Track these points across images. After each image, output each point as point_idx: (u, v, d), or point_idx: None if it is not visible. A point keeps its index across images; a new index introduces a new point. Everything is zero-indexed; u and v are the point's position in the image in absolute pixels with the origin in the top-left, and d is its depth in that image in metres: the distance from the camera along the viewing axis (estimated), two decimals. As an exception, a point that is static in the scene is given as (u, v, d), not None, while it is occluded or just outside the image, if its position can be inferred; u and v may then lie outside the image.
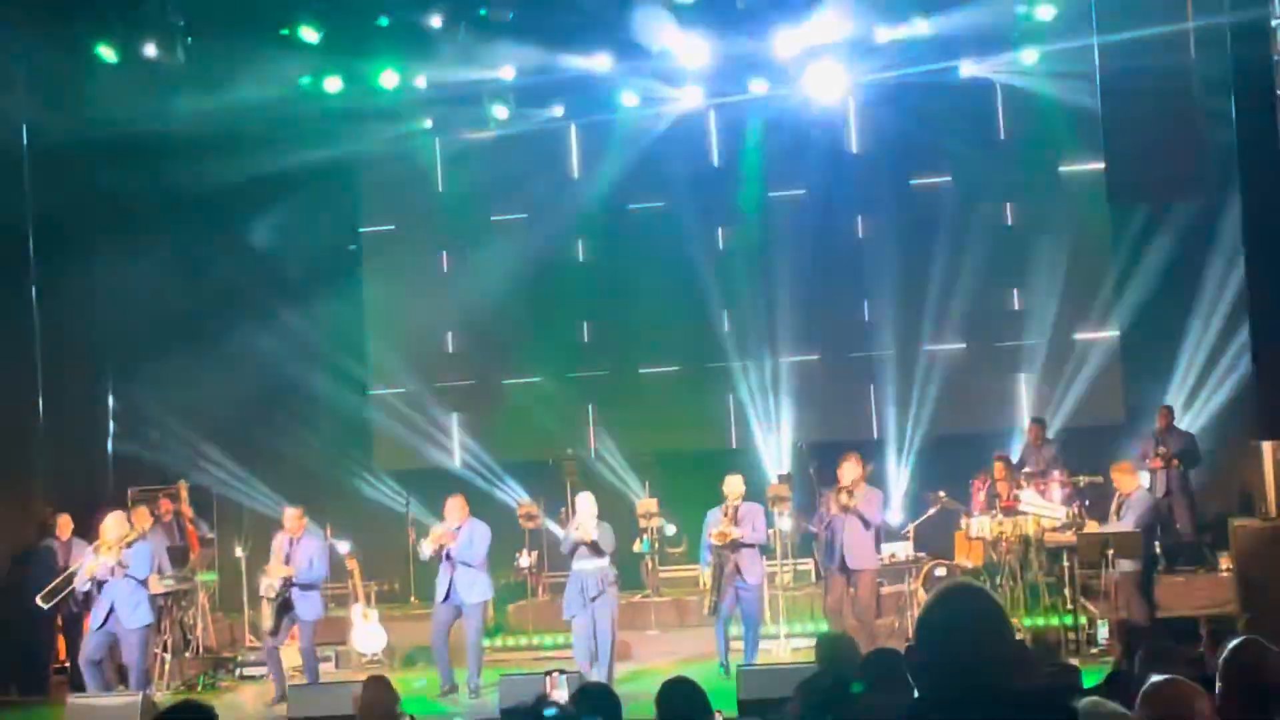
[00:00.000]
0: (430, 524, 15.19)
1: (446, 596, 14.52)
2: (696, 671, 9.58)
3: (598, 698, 6.97)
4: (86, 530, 16.25)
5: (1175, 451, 16.89)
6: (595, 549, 14.00)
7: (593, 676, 13.05)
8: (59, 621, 16.30)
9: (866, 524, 14.49)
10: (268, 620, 14.58)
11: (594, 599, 13.95)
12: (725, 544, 14.29)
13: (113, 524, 14.11)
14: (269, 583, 14.51)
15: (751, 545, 14.43)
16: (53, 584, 14.62)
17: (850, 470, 14.58)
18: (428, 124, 19.50)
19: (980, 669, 3.74)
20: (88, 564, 13.90)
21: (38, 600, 14.51)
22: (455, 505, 14.80)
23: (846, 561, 14.43)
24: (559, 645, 15.76)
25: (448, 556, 14.50)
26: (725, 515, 14.40)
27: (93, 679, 13.72)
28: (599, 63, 17.98)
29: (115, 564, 13.71)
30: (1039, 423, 17.85)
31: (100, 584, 13.83)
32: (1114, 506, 15.06)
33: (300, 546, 14.53)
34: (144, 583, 13.98)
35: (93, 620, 14.01)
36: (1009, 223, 19.19)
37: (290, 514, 14.75)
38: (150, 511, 16.39)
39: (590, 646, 13.91)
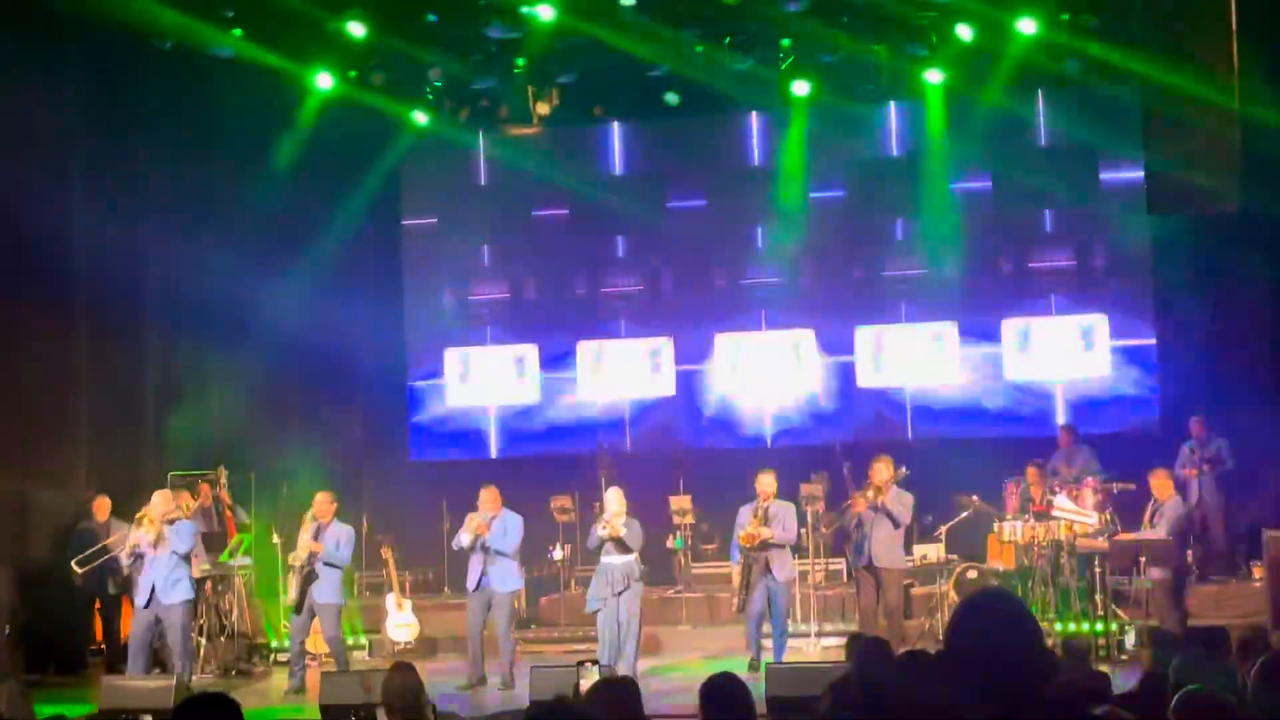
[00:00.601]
0: (464, 515, 15.22)
1: (478, 586, 14.60)
2: (727, 668, 9.65)
3: (617, 690, 7.02)
4: (126, 512, 16.43)
5: (1208, 458, 16.86)
6: (622, 545, 14.07)
7: (620, 670, 13.12)
8: (97, 603, 16.51)
9: (895, 524, 14.58)
10: (292, 592, 14.68)
11: (619, 593, 14.04)
12: (754, 545, 14.35)
13: (159, 500, 14.33)
14: (295, 553, 14.64)
15: (782, 545, 14.50)
16: (88, 552, 14.89)
17: (882, 470, 14.66)
18: (471, 119, 19.61)
19: (1011, 673, 3.78)
20: (130, 536, 14.10)
21: (73, 565, 14.86)
22: (489, 496, 14.87)
23: (873, 560, 14.51)
24: (590, 638, 15.82)
25: (483, 546, 14.59)
26: (755, 516, 14.44)
27: (136, 662, 13.96)
28: (646, 72, 18.20)
29: (156, 537, 13.93)
30: (1070, 429, 17.84)
31: (139, 557, 14.05)
32: (1148, 513, 15.06)
33: (329, 531, 14.65)
34: (185, 559, 14.22)
35: (137, 600, 14.20)
36: (1048, 229, 19.18)
37: (321, 498, 14.85)
38: (192, 496, 16.57)
39: (615, 640, 13.99)
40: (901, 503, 14.68)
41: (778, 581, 14.40)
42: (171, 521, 14.14)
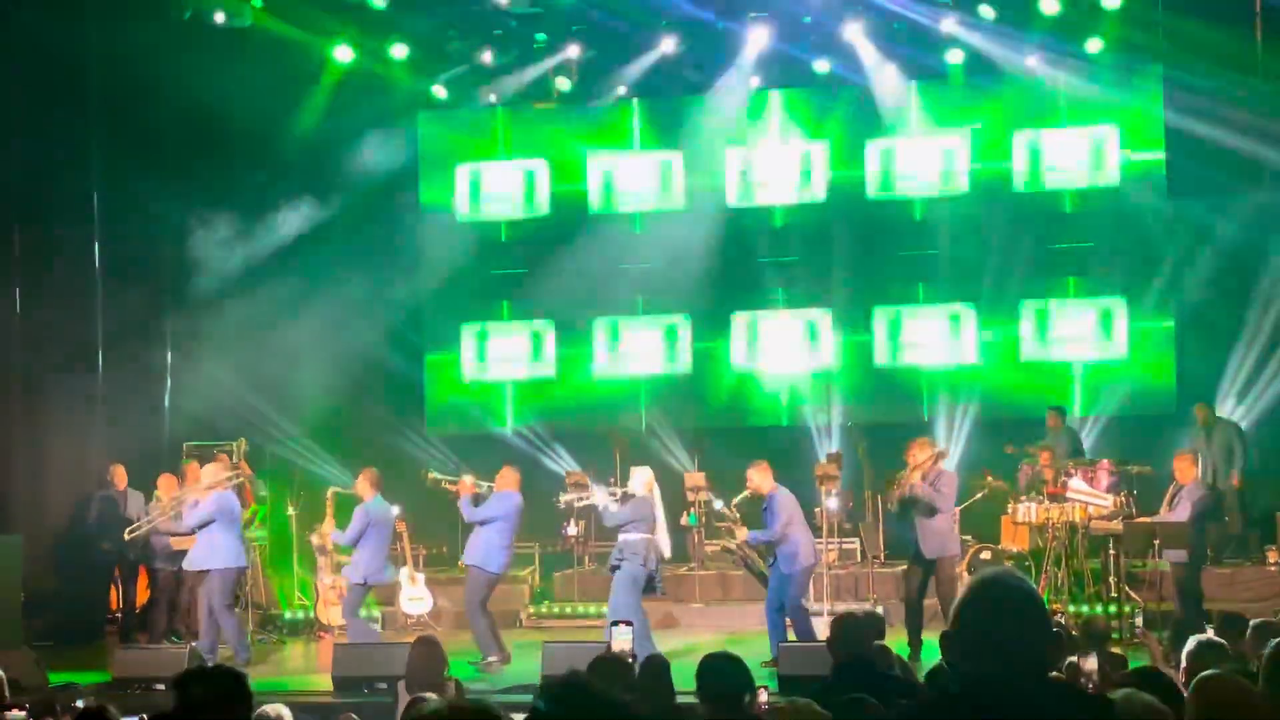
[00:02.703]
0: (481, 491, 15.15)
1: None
2: (740, 646, 9.65)
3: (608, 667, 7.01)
4: (141, 482, 16.49)
5: (1220, 445, 16.82)
6: (624, 523, 14.05)
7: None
8: (117, 571, 16.57)
9: (932, 510, 14.04)
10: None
11: (613, 569, 14.06)
12: (738, 545, 14.23)
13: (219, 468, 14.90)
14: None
15: (775, 541, 14.10)
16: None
17: (916, 453, 14.21)
18: (491, 95, 19.60)
19: (1016, 655, 3.77)
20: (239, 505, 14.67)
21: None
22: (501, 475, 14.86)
23: (921, 551, 14.16)
24: (603, 614, 15.83)
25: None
26: (730, 519, 14.28)
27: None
28: (665, 45, 18.18)
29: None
30: (1058, 410, 17.75)
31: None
32: (1168, 495, 15.00)
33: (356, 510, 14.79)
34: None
35: (242, 560, 14.61)
36: (1067, 210, 19.12)
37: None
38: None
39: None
40: (937, 486, 14.06)
41: (783, 573, 14.13)
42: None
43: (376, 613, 16.67)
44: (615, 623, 12.27)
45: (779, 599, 13.99)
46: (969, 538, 16.51)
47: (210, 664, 12.76)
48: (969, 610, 3.85)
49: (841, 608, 15.78)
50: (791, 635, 13.76)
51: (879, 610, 14.66)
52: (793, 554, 13.94)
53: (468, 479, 14.77)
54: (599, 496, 14.93)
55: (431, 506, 18.22)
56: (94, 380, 17.50)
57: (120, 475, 16.57)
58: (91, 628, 16.40)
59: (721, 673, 6.68)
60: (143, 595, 16.67)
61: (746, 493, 14.26)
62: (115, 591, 16.71)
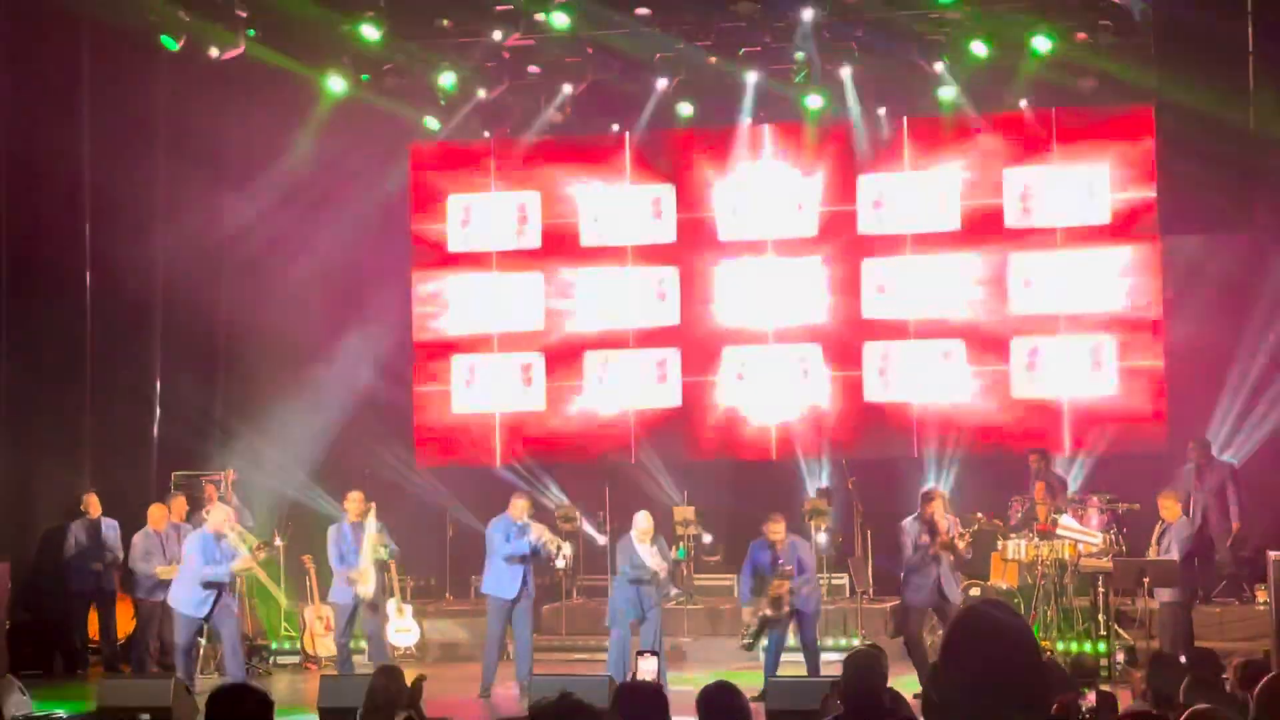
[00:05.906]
0: (469, 522, 15.15)
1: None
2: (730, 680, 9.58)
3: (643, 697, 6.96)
4: (126, 512, 16.41)
5: (1212, 488, 16.79)
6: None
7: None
8: (93, 601, 16.46)
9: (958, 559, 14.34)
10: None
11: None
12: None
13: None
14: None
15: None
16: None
17: (938, 509, 14.34)
18: (484, 131, 19.63)
19: (1006, 690, 3.71)
20: (244, 560, 14.46)
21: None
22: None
23: (946, 594, 14.20)
24: (591, 648, 15.79)
25: (536, 553, 14.73)
26: (777, 576, 14.10)
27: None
28: (659, 80, 18.24)
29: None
30: (1040, 453, 17.68)
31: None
32: (1155, 534, 14.99)
33: None
34: None
35: (203, 609, 14.23)
36: (1058, 247, 19.13)
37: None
38: (193, 496, 16.62)
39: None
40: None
41: (804, 614, 14.17)
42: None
43: (363, 644, 16.60)
44: (640, 653, 12.32)
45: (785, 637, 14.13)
46: (958, 574, 16.48)
47: (193, 691, 12.81)
48: (956, 642, 3.76)
49: (831, 643, 15.81)
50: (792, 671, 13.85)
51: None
52: (817, 594, 14.56)
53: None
54: (653, 561, 14.62)
55: (419, 538, 18.19)
56: (82, 407, 17.43)
57: (94, 504, 16.47)
58: (75, 657, 16.29)
59: (725, 703, 6.57)
60: (127, 625, 16.58)
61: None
62: (96, 620, 16.58)
